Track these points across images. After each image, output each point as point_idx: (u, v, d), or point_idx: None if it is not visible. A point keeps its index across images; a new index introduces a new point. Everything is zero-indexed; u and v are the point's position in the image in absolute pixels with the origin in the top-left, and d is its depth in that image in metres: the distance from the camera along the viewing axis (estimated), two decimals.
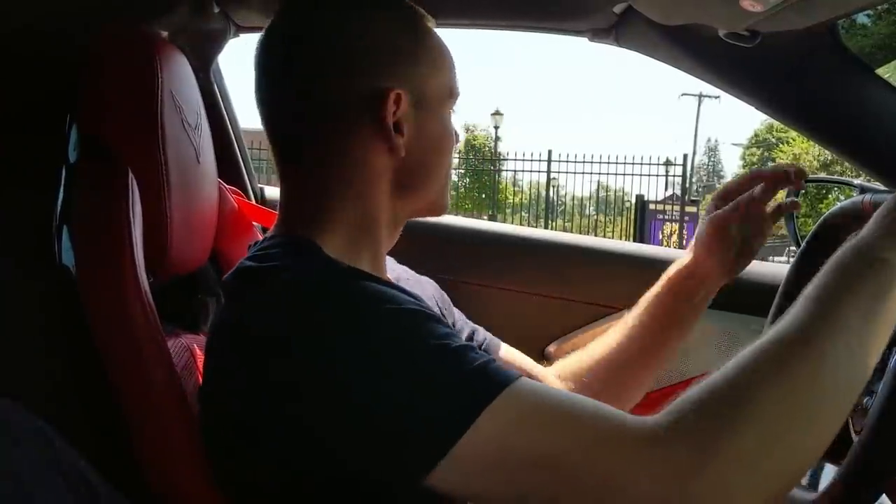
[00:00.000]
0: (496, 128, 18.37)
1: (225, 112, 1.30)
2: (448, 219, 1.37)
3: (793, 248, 1.06)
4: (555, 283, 1.31)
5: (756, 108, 1.03)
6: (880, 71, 1.00)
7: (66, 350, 0.72)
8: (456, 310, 0.99)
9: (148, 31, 0.83)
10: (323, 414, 0.57)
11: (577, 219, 14.70)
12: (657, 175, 10.72)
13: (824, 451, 0.55)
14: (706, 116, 57.41)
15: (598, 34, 1.07)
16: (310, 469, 0.60)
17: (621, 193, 15.34)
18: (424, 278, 0.98)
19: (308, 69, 0.71)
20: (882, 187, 0.86)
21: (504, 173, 15.48)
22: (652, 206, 10.69)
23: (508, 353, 0.98)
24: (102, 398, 0.68)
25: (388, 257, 0.82)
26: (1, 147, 0.75)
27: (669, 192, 11.54)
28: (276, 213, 0.77)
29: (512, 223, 9.85)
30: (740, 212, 0.88)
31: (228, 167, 1.26)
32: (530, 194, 14.02)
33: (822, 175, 1.58)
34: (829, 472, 0.71)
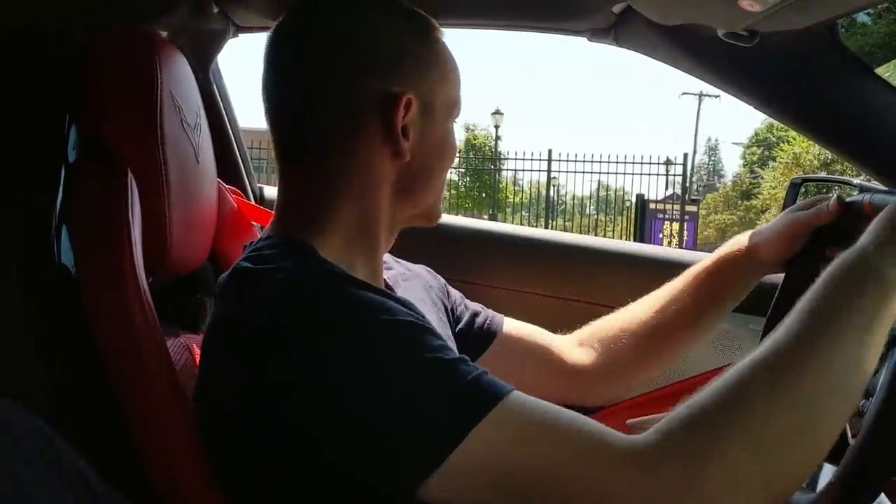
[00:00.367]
0: (496, 127, 18.33)
1: (224, 112, 1.30)
2: (448, 218, 1.37)
3: None
4: (555, 283, 1.31)
5: (755, 108, 1.03)
6: (880, 70, 1.00)
7: (66, 350, 0.72)
8: (455, 291, 0.99)
9: (148, 31, 0.83)
10: (319, 414, 0.57)
11: (578, 218, 14.72)
12: (657, 174, 10.71)
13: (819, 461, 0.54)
14: (706, 116, 57.29)
15: (597, 34, 1.08)
16: (307, 469, 0.60)
17: (621, 193, 15.37)
18: (419, 266, 0.98)
19: (319, 68, 0.71)
20: (882, 187, 0.86)
21: (504, 173, 15.49)
22: (652, 206, 10.68)
23: (514, 327, 0.98)
24: (102, 398, 0.68)
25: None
26: (1, 147, 0.75)
27: (670, 192, 11.52)
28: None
29: (512, 222, 9.85)
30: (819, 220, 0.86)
31: (228, 167, 1.26)
32: (530, 194, 14.00)
33: (822, 174, 1.58)
34: (829, 473, 0.71)
